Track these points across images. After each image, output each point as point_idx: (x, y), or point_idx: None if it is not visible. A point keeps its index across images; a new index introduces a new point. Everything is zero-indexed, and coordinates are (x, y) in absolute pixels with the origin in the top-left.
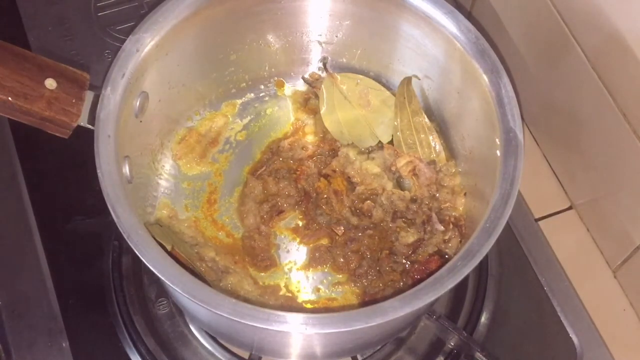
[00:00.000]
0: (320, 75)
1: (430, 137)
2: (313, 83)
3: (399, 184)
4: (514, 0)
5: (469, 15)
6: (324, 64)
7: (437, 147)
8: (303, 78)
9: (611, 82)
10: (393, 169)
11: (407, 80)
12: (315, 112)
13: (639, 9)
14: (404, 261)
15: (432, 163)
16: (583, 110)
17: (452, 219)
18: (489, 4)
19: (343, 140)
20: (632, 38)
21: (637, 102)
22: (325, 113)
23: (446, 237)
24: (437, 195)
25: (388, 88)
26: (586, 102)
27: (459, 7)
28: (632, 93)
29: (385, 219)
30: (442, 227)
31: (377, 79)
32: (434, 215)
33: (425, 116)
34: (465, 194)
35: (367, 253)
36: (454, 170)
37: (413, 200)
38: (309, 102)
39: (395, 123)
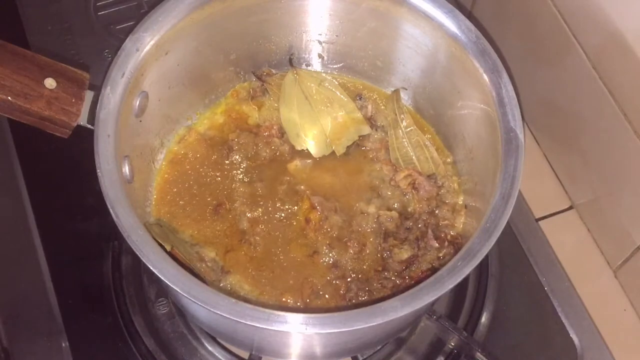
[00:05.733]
0: (271, 71)
1: (428, 151)
2: (263, 78)
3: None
4: (514, 0)
5: (469, 15)
6: (290, 60)
7: (435, 159)
8: (253, 72)
9: (612, 82)
10: (392, 183)
11: (396, 96)
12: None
13: None
14: (393, 278)
15: (432, 177)
16: (584, 110)
17: (449, 237)
18: (489, 4)
19: (298, 144)
20: (633, 38)
21: (638, 101)
22: (283, 110)
23: (441, 254)
24: (437, 211)
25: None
26: (587, 101)
27: (460, 7)
28: (632, 93)
29: (375, 242)
30: (437, 243)
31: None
32: (429, 231)
33: (420, 131)
34: (465, 206)
35: (354, 275)
36: (457, 187)
37: (407, 216)
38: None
39: (390, 141)
